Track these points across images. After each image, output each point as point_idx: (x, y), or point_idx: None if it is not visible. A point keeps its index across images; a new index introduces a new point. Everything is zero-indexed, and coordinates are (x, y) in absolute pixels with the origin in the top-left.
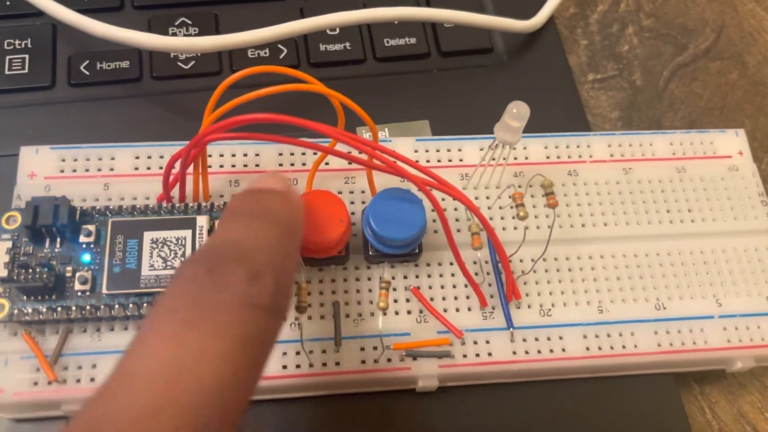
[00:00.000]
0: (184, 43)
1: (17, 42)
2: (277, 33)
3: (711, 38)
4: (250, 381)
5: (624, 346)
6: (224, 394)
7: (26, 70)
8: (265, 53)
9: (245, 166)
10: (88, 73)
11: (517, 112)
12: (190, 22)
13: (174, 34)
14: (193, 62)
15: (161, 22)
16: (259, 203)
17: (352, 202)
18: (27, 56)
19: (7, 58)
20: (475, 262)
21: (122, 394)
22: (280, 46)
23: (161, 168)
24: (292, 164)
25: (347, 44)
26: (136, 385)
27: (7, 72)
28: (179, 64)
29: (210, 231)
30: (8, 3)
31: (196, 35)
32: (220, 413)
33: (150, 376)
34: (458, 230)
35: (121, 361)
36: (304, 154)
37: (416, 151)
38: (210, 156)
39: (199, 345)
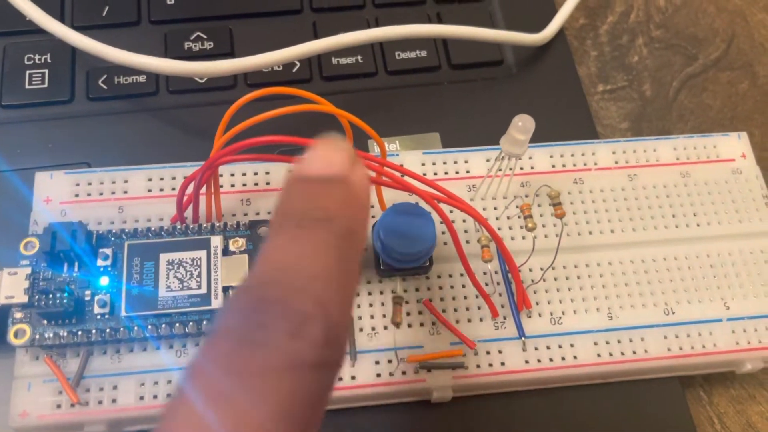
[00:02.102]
0: (201, 67)
1: (37, 57)
2: (290, 55)
3: (721, 48)
4: None
5: (634, 352)
6: None
7: (46, 85)
8: (279, 67)
9: (256, 184)
10: (106, 87)
11: (523, 125)
12: (205, 37)
13: (189, 49)
14: (208, 77)
15: (177, 37)
16: (312, 203)
17: None
18: (46, 71)
19: (28, 72)
20: (485, 273)
21: None
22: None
23: (174, 189)
24: None
25: (359, 57)
26: None
27: (27, 86)
28: (195, 78)
29: (224, 251)
30: (29, 19)
31: (211, 49)
32: None
33: None
34: (467, 241)
35: (160, 425)
36: None
37: (423, 164)
38: (221, 176)
39: (235, 421)
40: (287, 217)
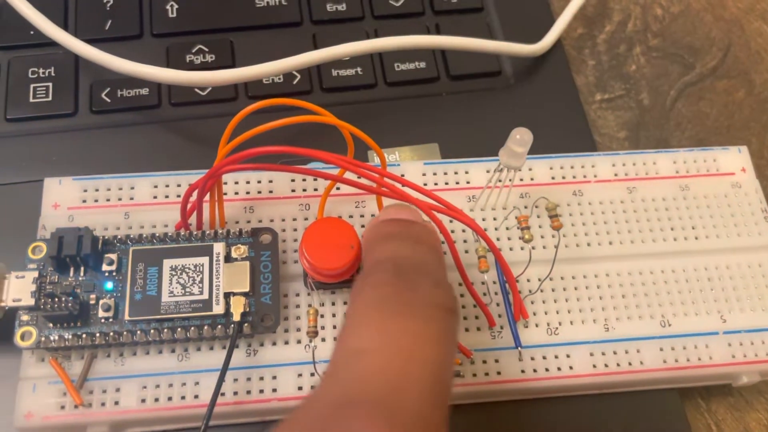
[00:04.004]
0: (202, 77)
1: (41, 71)
2: (290, 65)
3: (718, 57)
4: (452, 370)
5: (630, 363)
6: (443, 374)
7: (50, 98)
8: (279, 79)
9: (259, 192)
10: (109, 100)
11: (521, 138)
12: (206, 50)
13: (191, 62)
14: (209, 89)
15: (179, 50)
16: (409, 230)
17: (363, 226)
18: (50, 84)
19: (32, 86)
20: (483, 283)
21: (359, 370)
22: (293, 72)
23: (179, 196)
24: (304, 190)
25: (359, 69)
26: (368, 363)
27: (31, 100)
28: (197, 91)
29: (227, 258)
30: (32, 33)
31: (212, 62)
32: (445, 388)
33: (382, 355)
34: (466, 251)
35: (342, 344)
36: (315, 180)
37: (424, 174)
38: (225, 183)
39: (414, 330)
40: (389, 234)
